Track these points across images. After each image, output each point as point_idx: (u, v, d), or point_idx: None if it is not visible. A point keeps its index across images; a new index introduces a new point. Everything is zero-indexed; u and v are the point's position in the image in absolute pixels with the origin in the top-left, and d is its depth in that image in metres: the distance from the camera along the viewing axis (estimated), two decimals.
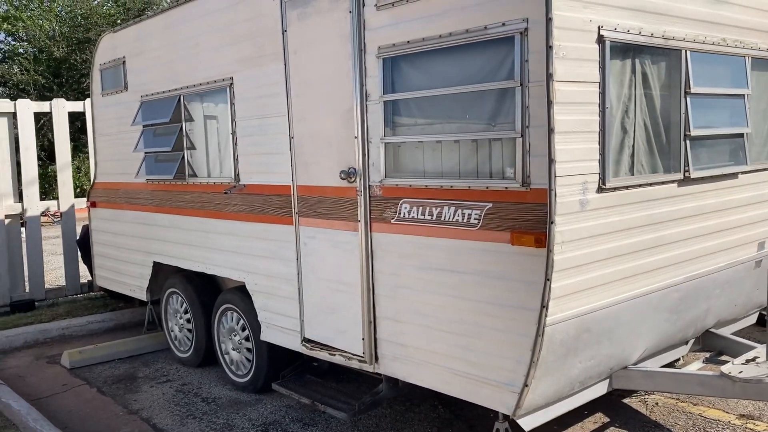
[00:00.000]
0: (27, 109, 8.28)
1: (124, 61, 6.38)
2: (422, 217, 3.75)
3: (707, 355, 4.61)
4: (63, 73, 22.28)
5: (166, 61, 5.76)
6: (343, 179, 4.13)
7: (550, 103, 3.09)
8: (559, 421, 4.45)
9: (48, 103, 8.50)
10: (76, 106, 8.81)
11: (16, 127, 8.33)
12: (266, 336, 4.96)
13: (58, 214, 8.77)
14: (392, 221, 3.91)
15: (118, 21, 21.55)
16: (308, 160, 4.44)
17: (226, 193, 5.17)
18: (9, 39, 23.42)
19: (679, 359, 4.93)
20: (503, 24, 3.24)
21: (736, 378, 3.68)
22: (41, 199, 8.56)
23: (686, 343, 4.53)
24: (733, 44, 4.14)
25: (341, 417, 4.25)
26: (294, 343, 4.69)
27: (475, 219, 3.48)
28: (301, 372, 5.05)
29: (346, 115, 4.09)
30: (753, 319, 5.17)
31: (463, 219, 3.54)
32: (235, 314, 5.40)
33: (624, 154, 3.56)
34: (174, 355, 6.30)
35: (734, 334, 4.73)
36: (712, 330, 4.58)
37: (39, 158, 8.47)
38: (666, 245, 3.85)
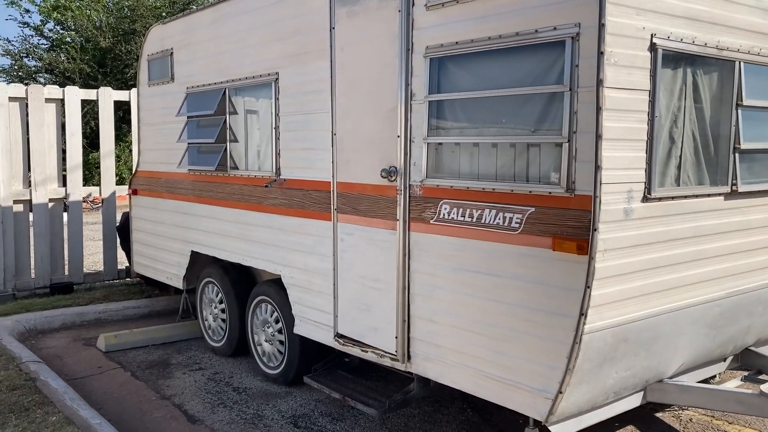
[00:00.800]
0: (75, 96, 8.47)
1: (171, 53, 6.49)
2: (462, 218, 3.74)
3: (745, 373, 4.52)
4: (108, 62, 22.72)
5: (213, 54, 5.85)
6: (384, 178, 4.15)
7: (599, 109, 3.07)
8: None
9: (95, 91, 8.69)
10: (122, 95, 8.99)
11: (63, 115, 8.53)
12: (299, 329, 5.00)
13: (99, 200, 8.96)
14: (431, 221, 3.91)
15: (164, 14, 21.92)
16: (349, 158, 4.47)
17: (266, 186, 5.23)
18: (58, 28, 23.97)
19: (715, 376, 4.84)
20: (555, 28, 3.23)
21: None
22: (83, 185, 8.75)
23: (724, 359, 4.45)
24: None
25: (372, 413, 4.26)
26: (327, 338, 4.73)
27: (516, 223, 3.47)
28: (332, 367, 5.08)
29: (390, 114, 4.11)
30: None
31: (504, 222, 3.53)
32: (269, 306, 5.46)
33: (671, 164, 3.52)
34: (207, 343, 6.39)
35: None
36: (752, 348, 4.49)
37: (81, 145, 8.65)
38: (709, 259, 3.78)
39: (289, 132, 5.00)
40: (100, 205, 8.95)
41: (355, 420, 4.72)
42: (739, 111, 3.79)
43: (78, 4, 23.18)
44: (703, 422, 4.64)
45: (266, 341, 5.52)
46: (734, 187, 3.82)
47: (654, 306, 3.53)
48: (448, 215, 3.82)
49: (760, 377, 4.35)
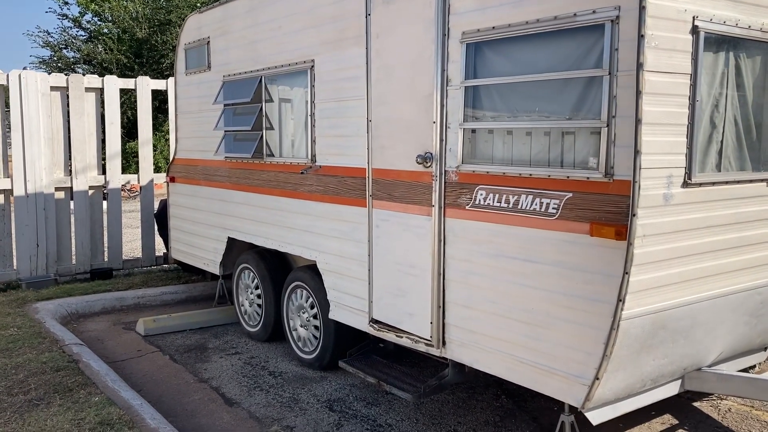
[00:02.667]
0: (113, 85, 8.63)
1: (208, 41, 6.57)
2: (498, 204, 3.74)
3: None
4: (144, 53, 23.05)
5: (249, 42, 5.91)
6: (419, 164, 4.15)
7: (639, 93, 3.03)
8: (626, 419, 4.39)
9: (133, 80, 8.84)
10: (159, 84, 9.13)
11: (102, 105, 8.70)
12: (334, 315, 5.05)
13: (137, 188, 9.14)
14: (467, 207, 3.92)
15: (198, 4, 22.12)
16: (384, 144, 4.48)
17: (302, 173, 5.27)
18: (95, 19, 24.38)
19: (755, 366, 4.77)
20: (594, 11, 3.19)
21: None
22: (121, 173, 8.92)
23: (765, 349, 4.38)
24: None
25: (406, 398, 4.30)
26: (362, 324, 4.77)
27: (553, 208, 3.45)
28: (366, 352, 5.13)
29: (426, 100, 4.11)
30: None
31: (541, 208, 3.51)
32: (304, 292, 5.52)
33: (712, 149, 3.46)
34: (243, 329, 6.49)
35: None
36: None
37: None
38: (750, 246, 3.72)
39: (324, 119, 5.03)
40: (138, 193, 9.14)
41: (390, 405, 4.76)
42: None
43: None
44: (742, 412, 4.57)
45: (301, 326, 5.59)
46: None
47: (693, 293, 3.49)
48: (484, 201, 3.82)
49: None
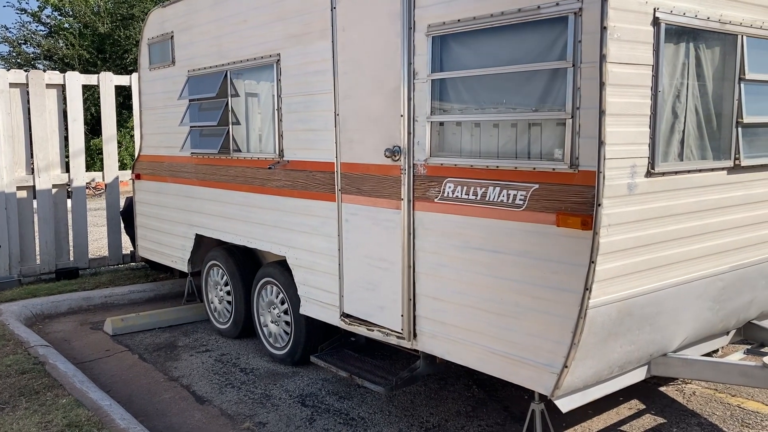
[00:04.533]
0: (75, 81, 8.47)
1: (172, 36, 6.48)
2: (466, 196, 3.76)
3: (748, 346, 4.55)
4: (107, 48, 22.66)
5: (214, 36, 5.84)
6: (388, 157, 4.16)
7: (602, 84, 3.07)
8: (595, 406, 4.47)
9: (96, 76, 8.68)
10: (123, 80, 8.98)
11: (64, 101, 8.53)
12: (305, 310, 5.04)
13: (102, 185, 8.98)
14: (436, 200, 3.93)
15: None
16: (353, 138, 4.48)
17: (269, 168, 5.24)
18: (55, 14, 23.86)
19: (717, 350, 4.89)
20: (557, 4, 3.22)
21: None
22: (86, 171, 8.76)
23: (727, 333, 4.48)
24: None
25: (379, 391, 4.31)
26: (333, 318, 4.76)
27: (520, 200, 3.48)
28: (338, 346, 5.13)
29: (393, 94, 4.11)
30: None
31: (508, 199, 3.54)
32: (274, 288, 5.50)
33: (674, 139, 3.53)
34: (213, 326, 6.44)
35: None
36: (755, 321, 4.52)
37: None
38: (712, 233, 3.80)
39: (291, 113, 5.00)
40: (103, 190, 8.98)
41: (362, 398, 4.77)
42: (742, 85, 3.79)
43: None
44: (706, 395, 4.69)
45: (272, 322, 5.57)
46: (737, 162, 3.83)
47: (658, 280, 3.56)
48: (452, 193, 3.84)
49: (763, 350, 4.39)
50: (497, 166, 3.60)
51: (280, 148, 5.13)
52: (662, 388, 4.80)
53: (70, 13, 23.35)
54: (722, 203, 3.82)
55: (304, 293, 5.03)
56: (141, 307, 7.36)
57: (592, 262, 3.16)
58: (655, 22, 3.26)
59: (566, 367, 3.32)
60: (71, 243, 8.62)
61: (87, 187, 10.11)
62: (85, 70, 20.72)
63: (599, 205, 3.12)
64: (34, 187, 8.25)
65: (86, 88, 9.06)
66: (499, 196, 3.59)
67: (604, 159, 3.10)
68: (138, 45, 7.20)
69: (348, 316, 4.64)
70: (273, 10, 5.09)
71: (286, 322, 5.40)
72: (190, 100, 6.20)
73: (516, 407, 4.56)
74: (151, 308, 7.13)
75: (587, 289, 3.19)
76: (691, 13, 3.43)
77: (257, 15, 5.27)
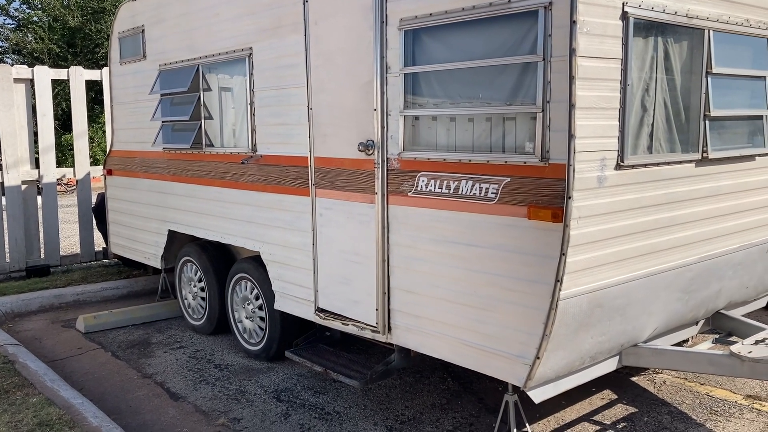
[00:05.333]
0: (45, 75, 8.32)
1: (143, 30, 6.40)
2: (439, 190, 3.77)
3: (717, 336, 4.64)
4: (77, 42, 22.31)
5: (186, 30, 5.78)
6: (361, 151, 4.15)
7: (572, 78, 3.10)
8: (567, 397, 4.52)
9: (66, 70, 8.54)
10: (94, 74, 8.85)
11: (33, 96, 8.38)
12: (280, 305, 5.02)
13: (74, 182, 8.85)
14: (409, 194, 3.94)
15: None
16: (326, 132, 4.47)
17: (243, 163, 5.21)
18: (24, 7, 23.43)
19: (687, 340, 4.97)
20: None
21: (746, 357, 3.72)
22: (56, 167, 8.62)
23: (696, 323, 4.56)
24: (757, 25, 4.12)
25: (354, 385, 4.32)
26: (307, 313, 4.76)
27: (492, 193, 3.51)
28: (313, 341, 5.13)
29: (366, 88, 4.11)
30: (763, 302, 5.19)
31: (480, 193, 3.57)
32: (249, 283, 5.47)
33: (643, 132, 3.57)
34: (187, 322, 6.39)
35: (745, 316, 4.75)
36: (723, 311, 4.60)
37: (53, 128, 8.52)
38: (681, 225, 3.86)
39: (264, 108, 4.97)
40: (75, 187, 8.85)
41: (338, 392, 4.78)
42: (709, 79, 3.85)
43: None
44: (676, 384, 4.77)
45: (247, 318, 5.54)
46: (705, 154, 3.90)
47: (628, 272, 3.61)
48: (426, 187, 3.85)
49: (731, 339, 4.48)
50: (470, 160, 3.62)
51: (253, 143, 5.10)
52: (634, 378, 4.88)
53: (39, 6, 22.93)
54: (690, 195, 3.88)
55: (278, 288, 5.02)
56: (114, 304, 7.27)
57: (563, 254, 3.20)
58: (624, 16, 3.30)
59: (538, 358, 3.35)
60: (42, 240, 8.48)
61: (58, 184, 9.98)
62: (55, 65, 20.39)
63: (569, 197, 3.16)
64: (2, 183, 8.10)
65: (56, 83, 8.93)
66: (471, 190, 3.61)
67: (574, 152, 3.13)
68: (109, 39, 7.09)
69: (323, 310, 4.64)
70: (245, 4, 5.05)
71: (261, 318, 5.38)
72: (162, 95, 6.14)
73: (490, 399, 4.60)
74: (125, 305, 7.06)
75: (558, 281, 3.22)
76: (659, 7, 3.48)
77: (229, 8, 5.23)
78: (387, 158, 4.05)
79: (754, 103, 4.23)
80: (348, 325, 4.42)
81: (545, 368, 3.42)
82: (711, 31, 3.82)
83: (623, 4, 3.28)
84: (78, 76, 8.56)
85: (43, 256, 8.46)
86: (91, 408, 4.30)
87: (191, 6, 5.68)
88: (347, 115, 4.28)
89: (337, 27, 4.29)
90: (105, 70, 8.45)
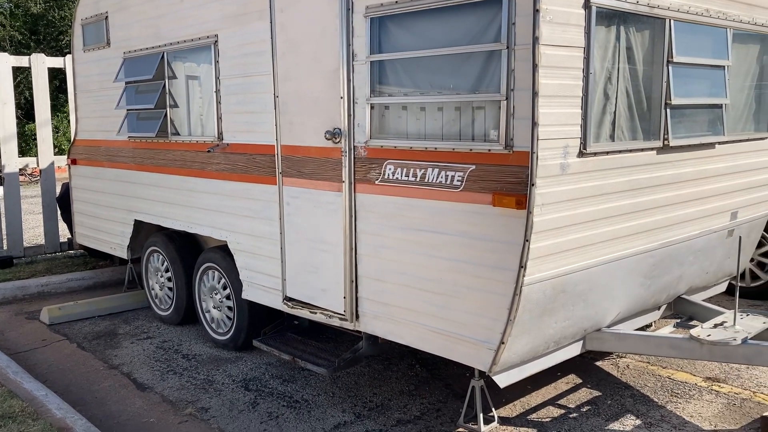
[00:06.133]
0: (5, 63, 8.13)
1: (106, 17, 6.29)
2: (406, 178, 3.79)
3: (678, 320, 4.74)
4: (40, 29, 21.83)
5: (150, 17, 5.69)
6: (328, 139, 4.15)
7: (535, 66, 3.13)
8: (533, 381, 4.59)
9: (27, 57, 8.35)
10: (57, 62, 8.67)
11: None
12: (248, 294, 5.01)
13: (38, 171, 8.68)
14: (376, 182, 3.95)
15: None
16: (293, 120, 4.45)
17: (209, 151, 5.16)
18: None
19: (651, 324, 5.09)
20: None
21: (704, 341, 3.82)
22: (19, 157, 8.45)
23: (659, 308, 4.66)
24: (716, 15, 4.19)
25: (321, 372, 4.33)
26: (275, 302, 4.75)
27: (458, 181, 3.53)
28: (281, 330, 5.12)
29: (332, 75, 4.10)
30: (723, 287, 5.33)
31: (446, 180, 3.59)
32: (216, 273, 5.44)
33: (605, 120, 3.62)
34: (154, 313, 6.33)
35: (705, 301, 4.87)
36: (684, 296, 4.71)
37: (15, 116, 8.33)
38: (643, 211, 3.93)
39: (230, 95, 4.93)
40: (39, 177, 8.68)
41: (306, 381, 4.79)
42: (670, 67, 3.92)
43: None
44: (639, 368, 4.87)
45: (214, 308, 5.51)
46: (666, 142, 3.97)
47: (591, 257, 3.67)
48: (393, 175, 3.86)
49: (692, 323, 4.58)
50: (436, 148, 3.63)
51: (220, 131, 5.05)
52: (598, 363, 4.97)
53: None
54: (652, 182, 3.95)
55: (246, 278, 5.00)
56: (80, 295, 7.17)
57: (527, 240, 3.24)
58: (587, 5, 3.33)
59: (503, 343, 3.40)
60: (4, 231, 8.31)
61: (22, 174, 9.79)
62: (17, 52, 19.94)
63: (533, 184, 3.19)
64: None
65: (19, 70, 8.72)
66: (437, 178, 3.63)
67: (538, 140, 3.17)
68: (71, 26, 6.95)
69: (291, 299, 4.63)
70: None
71: (229, 308, 5.36)
72: (127, 83, 6.04)
73: (458, 385, 4.65)
74: (91, 296, 6.96)
75: (522, 267, 3.26)
76: None
77: None
78: (354, 146, 4.05)
79: (714, 92, 4.31)
80: (316, 313, 4.42)
81: (510, 353, 3.47)
82: (672, 21, 3.88)
83: None
84: (40, 64, 8.39)
85: (5, 247, 8.29)
86: (55, 399, 4.25)
87: None
88: (314, 103, 4.26)
89: (303, 14, 4.26)
90: (68, 57, 8.30)
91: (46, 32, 21.88)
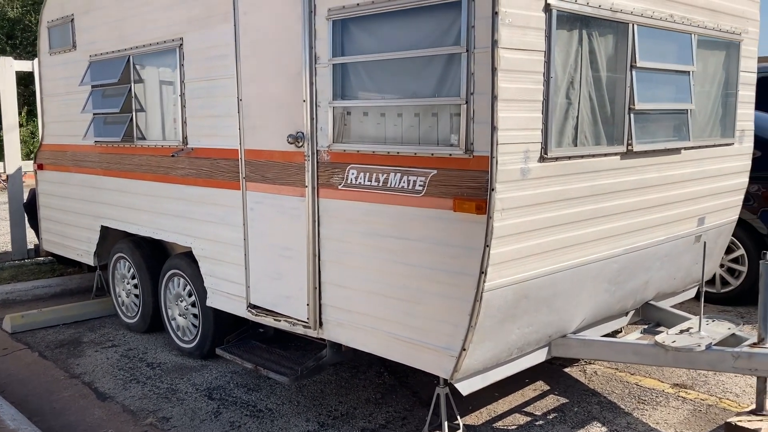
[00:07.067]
0: None
1: (72, 19, 6.19)
2: (369, 183, 3.74)
3: (645, 326, 4.73)
4: (17, 34, 21.56)
5: (116, 20, 5.60)
6: (291, 143, 4.09)
7: (494, 70, 3.10)
8: (500, 388, 4.54)
9: None
10: (25, 65, 8.55)
11: None
12: (212, 302, 4.92)
13: (4, 176, 8.53)
14: (339, 187, 3.89)
15: None
16: (256, 124, 4.38)
17: (173, 156, 5.08)
18: None
19: (620, 330, 5.06)
20: None
21: (669, 347, 3.79)
22: None
23: (626, 314, 4.64)
24: (681, 21, 4.19)
25: (283, 381, 4.25)
26: (239, 309, 4.67)
27: (419, 186, 3.49)
28: (246, 338, 5.03)
29: (295, 78, 4.04)
30: (692, 293, 5.32)
31: (408, 185, 3.54)
32: (181, 280, 5.35)
33: (568, 124, 3.60)
34: (121, 320, 6.22)
35: (673, 307, 4.85)
36: (652, 302, 4.69)
37: None
38: (606, 217, 3.91)
39: (194, 99, 4.86)
40: (5, 182, 8.53)
41: (271, 389, 4.71)
42: (634, 72, 3.90)
43: None
44: (607, 374, 4.84)
45: (180, 315, 5.42)
46: (630, 147, 3.95)
47: (554, 263, 3.63)
48: (356, 180, 3.81)
49: (659, 329, 4.56)
50: (398, 152, 3.59)
51: (184, 135, 4.97)
52: (566, 369, 4.93)
53: None
54: (616, 187, 3.93)
55: (210, 285, 4.91)
56: (46, 302, 7.03)
57: (487, 245, 3.20)
58: (547, 8, 3.31)
59: (464, 349, 3.35)
60: None
61: None
62: None
63: (493, 189, 3.15)
64: None
65: None
66: (400, 183, 3.59)
67: (497, 144, 3.13)
68: (37, 28, 6.85)
69: (255, 306, 4.56)
70: None
71: (194, 315, 5.26)
72: (93, 86, 5.95)
73: (424, 392, 4.59)
74: (58, 304, 6.82)
75: (482, 273, 3.22)
76: (583, 0, 3.50)
77: None
78: (317, 150, 4.00)
79: (679, 98, 4.30)
80: (280, 321, 4.35)
81: (472, 360, 3.42)
82: (635, 26, 3.87)
83: None
84: (8, 67, 8.25)
85: None
86: (10, 410, 4.14)
87: None
88: (277, 107, 4.20)
89: (266, 17, 4.21)
90: (36, 60, 8.16)
91: (23, 36, 21.61)
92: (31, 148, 17.42)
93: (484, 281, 3.22)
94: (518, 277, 3.41)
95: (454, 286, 3.37)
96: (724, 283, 6.28)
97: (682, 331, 4.06)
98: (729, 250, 6.14)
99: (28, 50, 21.38)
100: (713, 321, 4.21)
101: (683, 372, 4.84)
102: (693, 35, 4.33)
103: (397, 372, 4.94)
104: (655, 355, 3.87)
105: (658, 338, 3.90)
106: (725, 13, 4.58)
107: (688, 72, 4.34)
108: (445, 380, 3.70)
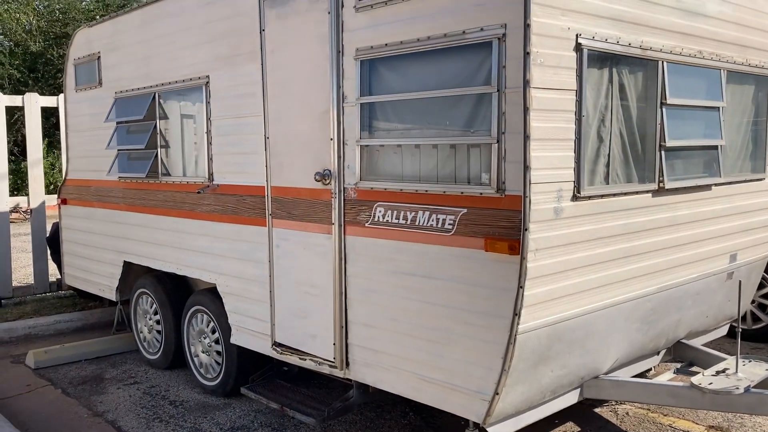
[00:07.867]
0: None
1: (99, 57, 6.27)
2: (396, 221, 3.71)
3: (678, 365, 4.62)
4: (39, 68, 21.95)
5: (142, 57, 5.67)
6: (318, 181, 4.08)
7: (526, 109, 3.07)
8: (529, 429, 4.43)
9: (20, 97, 8.34)
10: (50, 101, 8.66)
11: None
12: (236, 339, 4.88)
13: (29, 210, 8.59)
14: (366, 225, 3.86)
15: (97, 17, 21.29)
16: (283, 161, 4.38)
17: (199, 192, 5.09)
18: None
19: (650, 369, 4.94)
20: (481, 29, 3.22)
21: (706, 389, 3.69)
22: (13, 194, 8.37)
23: (658, 353, 4.54)
24: (710, 57, 4.16)
25: (310, 422, 4.18)
26: (264, 347, 4.62)
27: (449, 224, 3.45)
28: (270, 376, 4.98)
29: (322, 117, 4.05)
30: (724, 330, 5.21)
31: (437, 224, 3.50)
32: (205, 316, 5.32)
33: (599, 162, 3.56)
34: (143, 356, 6.18)
35: (705, 345, 4.75)
36: (684, 341, 4.59)
37: (11, 154, 8.31)
38: (639, 255, 3.85)
39: (221, 136, 4.87)
40: (30, 215, 8.59)
41: (296, 429, 4.63)
42: (664, 109, 3.87)
43: (6, 7, 22.31)
44: (639, 416, 4.72)
45: (203, 352, 5.37)
46: (661, 184, 3.90)
47: (587, 304, 3.56)
48: (383, 218, 3.78)
49: (692, 369, 4.45)
50: (426, 190, 3.56)
51: (210, 172, 4.99)
52: (597, 410, 4.82)
53: (1, 31, 22.56)
54: (648, 225, 3.87)
55: (234, 322, 4.87)
56: (68, 337, 7.02)
57: (521, 287, 3.14)
58: (578, 47, 3.30)
59: (497, 393, 3.28)
60: None
61: (16, 211, 9.67)
62: (15, 91, 20.02)
63: (526, 229, 3.11)
64: None
65: (15, 109, 8.67)
66: (428, 221, 3.55)
67: (530, 183, 3.09)
68: (64, 65, 6.95)
69: (280, 345, 4.51)
70: (202, 32, 4.98)
71: (218, 352, 5.22)
72: (118, 123, 6.00)
73: None
74: (79, 338, 6.81)
75: (516, 314, 3.16)
76: (613, 39, 3.49)
77: (186, 36, 5.15)
78: (344, 188, 3.98)
79: (709, 134, 4.26)
80: (305, 360, 4.30)
81: (505, 404, 3.35)
82: (665, 63, 3.85)
83: (577, 35, 3.28)
84: (33, 103, 8.37)
85: None
86: None
87: (148, 33, 5.58)
88: (304, 145, 4.20)
89: (293, 56, 4.23)
90: (62, 96, 8.28)
91: (45, 70, 22.00)
92: (50, 179, 17.62)
93: (518, 323, 3.16)
94: (552, 318, 3.35)
95: (486, 328, 3.31)
96: (756, 319, 6.15)
97: (718, 372, 3.96)
98: (760, 286, 6.02)
99: (50, 83, 21.76)
100: (749, 361, 4.11)
101: (718, 414, 4.71)
102: (722, 71, 4.30)
103: (423, 412, 4.85)
104: (691, 398, 3.77)
105: (695, 380, 3.80)
106: (754, 48, 4.55)
107: (718, 108, 4.30)
108: (475, 423, 3.62)
